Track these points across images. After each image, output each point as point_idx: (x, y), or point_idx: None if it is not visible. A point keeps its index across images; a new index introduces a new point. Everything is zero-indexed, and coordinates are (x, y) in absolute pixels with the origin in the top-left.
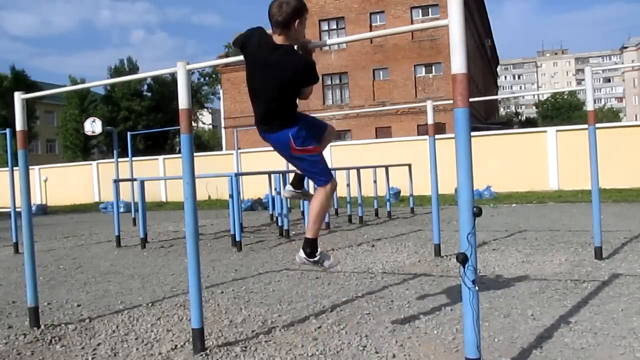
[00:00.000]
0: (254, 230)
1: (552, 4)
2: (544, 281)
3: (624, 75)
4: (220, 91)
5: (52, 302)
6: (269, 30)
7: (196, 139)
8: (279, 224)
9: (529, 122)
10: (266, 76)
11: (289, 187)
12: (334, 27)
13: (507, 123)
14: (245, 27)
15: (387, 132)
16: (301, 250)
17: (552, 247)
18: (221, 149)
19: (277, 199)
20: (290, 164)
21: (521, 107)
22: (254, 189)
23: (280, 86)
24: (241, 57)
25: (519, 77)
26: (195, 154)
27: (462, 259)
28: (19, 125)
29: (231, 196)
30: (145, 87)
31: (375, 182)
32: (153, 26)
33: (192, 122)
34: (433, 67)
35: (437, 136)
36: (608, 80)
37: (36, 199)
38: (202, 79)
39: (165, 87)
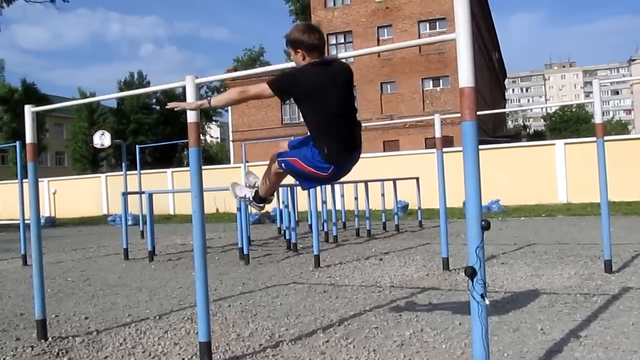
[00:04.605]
0: (262, 244)
1: (559, 16)
2: (554, 295)
3: (632, 87)
4: None
5: (60, 315)
6: (291, 64)
7: (204, 152)
8: (287, 237)
9: (537, 135)
10: (341, 93)
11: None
12: (342, 41)
13: (515, 136)
14: (254, 41)
15: (395, 145)
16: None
17: (562, 261)
18: (229, 162)
19: (284, 212)
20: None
21: (529, 120)
22: None
23: (352, 95)
24: (248, 72)
25: (526, 90)
26: (203, 167)
27: (471, 273)
28: (29, 137)
29: (239, 209)
30: (154, 100)
31: (383, 195)
32: (162, 40)
33: (200, 136)
34: (440, 81)
35: (445, 149)
36: (616, 92)
37: (45, 211)
38: (210, 93)
39: (174, 100)
